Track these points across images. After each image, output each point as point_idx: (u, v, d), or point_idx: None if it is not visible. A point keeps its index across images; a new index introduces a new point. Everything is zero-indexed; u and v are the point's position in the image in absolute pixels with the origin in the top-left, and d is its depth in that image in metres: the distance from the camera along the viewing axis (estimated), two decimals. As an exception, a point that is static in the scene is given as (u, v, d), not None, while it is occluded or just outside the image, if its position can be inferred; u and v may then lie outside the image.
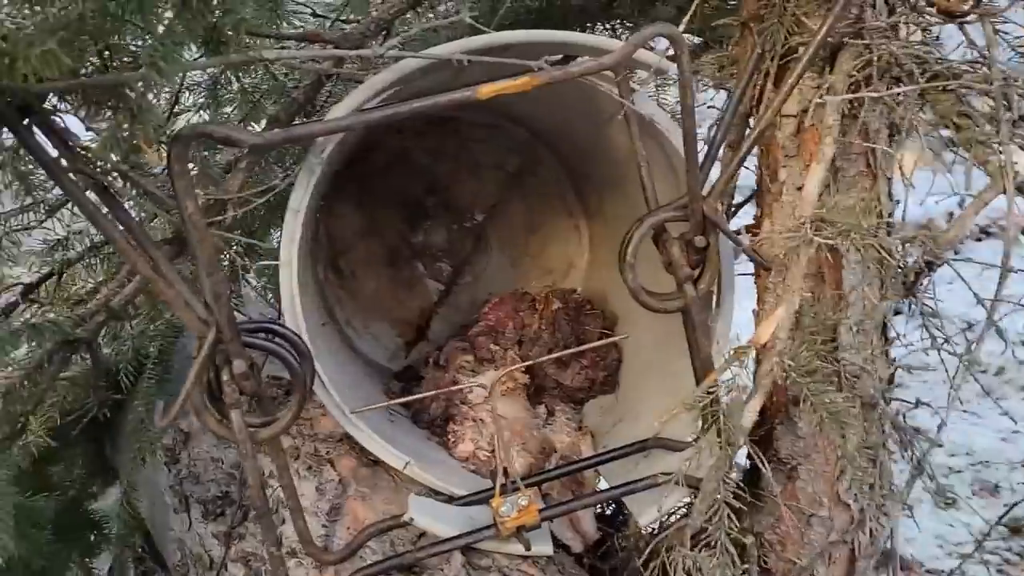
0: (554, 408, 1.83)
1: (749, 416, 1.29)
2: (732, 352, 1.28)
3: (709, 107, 1.73)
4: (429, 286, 2.26)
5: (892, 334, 1.36)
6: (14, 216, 1.42)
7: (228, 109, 1.53)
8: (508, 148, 2.21)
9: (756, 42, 1.44)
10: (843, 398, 1.23)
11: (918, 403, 1.33)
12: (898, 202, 1.52)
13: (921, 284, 1.29)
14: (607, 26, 2.13)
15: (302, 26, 1.35)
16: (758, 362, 1.29)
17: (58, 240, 1.54)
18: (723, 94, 1.72)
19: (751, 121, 1.61)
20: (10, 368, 1.37)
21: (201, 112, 1.59)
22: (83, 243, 1.57)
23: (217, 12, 1.04)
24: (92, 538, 2.11)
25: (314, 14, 1.60)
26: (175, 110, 1.51)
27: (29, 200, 1.40)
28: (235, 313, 1.23)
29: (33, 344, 1.35)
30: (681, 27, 1.43)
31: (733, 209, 1.96)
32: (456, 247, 2.26)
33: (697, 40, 2.14)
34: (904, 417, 1.36)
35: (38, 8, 1.00)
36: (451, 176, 2.23)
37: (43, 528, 1.83)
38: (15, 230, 1.45)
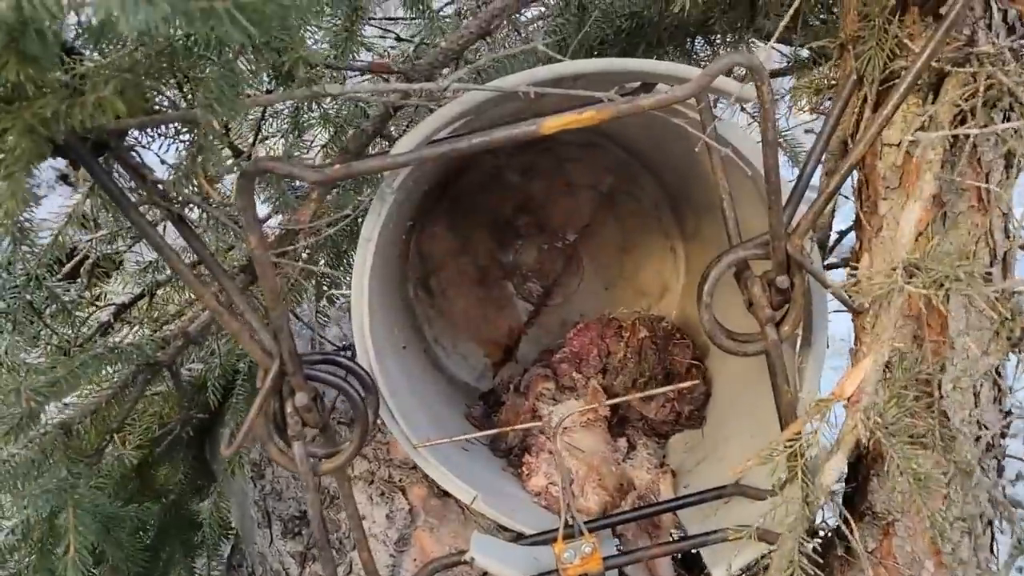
0: (636, 442, 1.77)
1: (831, 474, 1.19)
2: (815, 404, 1.19)
3: (807, 131, 1.62)
4: (519, 306, 2.23)
5: (1002, 391, 1.22)
6: (107, 240, 1.48)
7: (310, 136, 1.55)
8: (603, 167, 2.15)
9: (854, 65, 1.34)
10: (934, 462, 1.11)
11: (1019, 477, 1.19)
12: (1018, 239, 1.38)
13: (1030, 340, 1.16)
14: (706, 40, 2.05)
15: (377, 55, 1.34)
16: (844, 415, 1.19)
17: (149, 262, 1.60)
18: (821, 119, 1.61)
19: (847, 147, 1.50)
20: (96, 389, 1.42)
21: (286, 137, 1.61)
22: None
23: (282, 51, 1.03)
24: (194, 539, 2.20)
25: (398, 38, 1.59)
26: (260, 135, 1.53)
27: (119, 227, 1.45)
28: (319, 338, 1.23)
29: (118, 366, 1.40)
30: (772, 41, 1.33)
31: (836, 236, 1.84)
32: (547, 267, 2.22)
33: (805, 54, 2.03)
34: (1004, 489, 1.23)
35: (112, 47, 1.03)
36: (544, 195, 2.19)
37: (145, 532, 1.92)
38: (108, 254, 1.51)
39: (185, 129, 1.21)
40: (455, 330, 2.18)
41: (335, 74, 1.28)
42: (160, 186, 1.22)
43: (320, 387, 1.30)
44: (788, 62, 2.20)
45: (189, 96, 1.18)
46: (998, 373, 1.34)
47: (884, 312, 1.15)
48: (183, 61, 1.08)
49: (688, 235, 2.10)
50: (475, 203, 2.15)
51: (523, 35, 1.41)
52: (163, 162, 1.25)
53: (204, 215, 1.26)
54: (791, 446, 1.22)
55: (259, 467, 1.87)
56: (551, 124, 1.15)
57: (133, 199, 1.18)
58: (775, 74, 2.25)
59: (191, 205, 1.27)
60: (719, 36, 1.97)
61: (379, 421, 1.43)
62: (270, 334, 1.24)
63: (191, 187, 1.12)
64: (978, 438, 1.20)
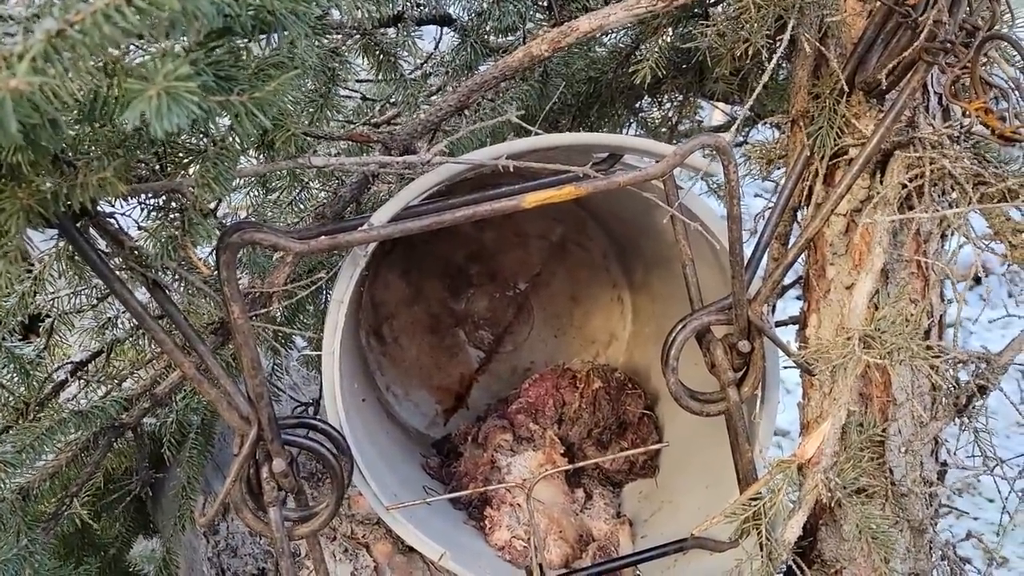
0: (592, 491, 1.81)
1: (793, 531, 1.26)
2: (776, 464, 1.26)
3: (756, 196, 1.71)
4: (470, 354, 2.26)
5: (944, 455, 1.32)
6: (68, 299, 1.45)
7: (276, 194, 1.55)
8: (553, 218, 2.21)
9: (806, 142, 1.43)
10: (891, 522, 1.19)
11: (969, 535, 1.28)
12: (951, 302, 1.49)
13: (974, 407, 1.25)
14: (655, 100, 2.14)
15: (349, 124, 1.36)
16: (803, 476, 1.26)
17: (108, 319, 1.57)
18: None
19: (798, 215, 1.59)
20: (56, 452, 1.39)
21: (251, 192, 1.61)
22: (131, 321, 1.60)
23: (270, 126, 1.05)
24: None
25: (363, 98, 1.62)
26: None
27: (83, 286, 1.43)
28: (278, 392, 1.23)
29: (82, 430, 1.38)
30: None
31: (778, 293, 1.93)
32: (498, 315, 2.26)
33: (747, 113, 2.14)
34: (955, 548, 1.32)
35: (98, 126, 1.03)
36: (496, 244, 2.23)
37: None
38: (67, 312, 1.48)
39: (163, 196, 1.21)
40: (407, 377, 2.19)
41: (312, 140, 1.29)
42: (136, 252, 1.22)
43: (293, 450, 1.31)
44: (730, 119, 2.32)
45: (168, 166, 1.18)
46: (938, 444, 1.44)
47: (841, 379, 1.23)
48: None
49: (636, 286, 2.17)
50: (428, 251, 2.18)
51: (493, 102, 1.45)
52: (140, 227, 1.24)
53: (180, 282, 1.25)
54: (754, 505, 1.28)
55: (213, 522, 1.84)
56: (532, 199, 1.20)
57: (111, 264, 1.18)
58: (718, 129, 2.37)
59: (167, 271, 1.27)
60: (667, 97, 2.06)
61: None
62: (247, 401, 1.25)
63: (174, 257, 1.12)
64: (929, 496, 1.28)
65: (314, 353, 1.46)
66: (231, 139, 1.06)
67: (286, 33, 0.92)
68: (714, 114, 2.63)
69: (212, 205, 1.09)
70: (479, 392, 2.23)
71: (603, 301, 2.22)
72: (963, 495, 1.29)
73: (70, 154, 1.01)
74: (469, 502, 1.77)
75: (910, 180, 1.29)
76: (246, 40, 0.91)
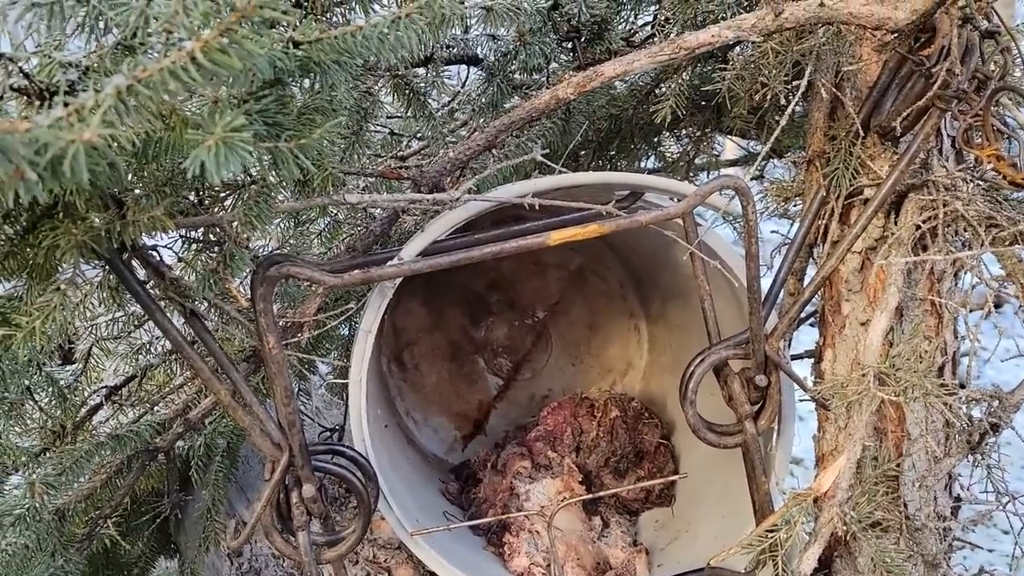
0: (609, 519, 1.84)
1: (808, 563, 1.28)
2: (792, 497, 1.29)
3: (772, 232, 1.75)
4: (489, 381, 2.30)
5: (957, 490, 1.35)
6: (105, 326, 1.50)
7: (305, 225, 1.61)
8: (571, 248, 2.25)
9: (822, 182, 1.47)
10: (905, 556, 1.22)
11: (982, 570, 1.31)
12: (964, 338, 1.52)
13: (986, 444, 1.28)
14: (673, 135, 2.18)
15: (377, 157, 1.41)
16: (818, 509, 1.29)
17: (141, 345, 1.62)
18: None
19: (814, 251, 1.63)
20: (92, 474, 1.44)
21: (282, 224, 1.67)
22: (163, 347, 1.65)
23: (314, 170, 1.10)
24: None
25: (391, 133, 1.67)
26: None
27: (120, 313, 1.48)
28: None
29: (116, 452, 1.42)
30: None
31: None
32: (517, 343, 2.30)
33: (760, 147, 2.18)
34: (967, 583, 1.35)
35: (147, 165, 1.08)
36: (515, 273, 2.28)
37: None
38: (104, 339, 1.53)
39: (201, 230, 1.26)
40: (427, 403, 2.23)
41: (345, 177, 1.35)
42: (175, 282, 1.27)
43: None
44: (746, 153, 2.36)
45: (206, 200, 1.23)
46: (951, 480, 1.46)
47: (857, 414, 1.26)
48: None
49: (652, 316, 2.21)
50: (448, 280, 2.23)
51: (518, 138, 1.50)
52: (179, 259, 1.29)
53: (215, 311, 1.30)
54: (770, 537, 1.31)
55: (243, 545, 1.88)
56: (558, 236, 1.25)
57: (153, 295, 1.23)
58: (733, 163, 2.41)
59: (203, 301, 1.32)
60: (685, 132, 2.11)
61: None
62: (279, 428, 1.29)
63: (214, 289, 1.17)
64: (943, 531, 1.31)
65: (341, 381, 1.50)
66: (271, 178, 1.12)
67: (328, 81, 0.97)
68: (727, 147, 2.67)
69: (250, 235, 1.13)
70: (497, 419, 2.26)
71: (620, 330, 2.26)
72: (978, 527, 1.32)
73: (119, 191, 1.07)
74: (488, 528, 1.80)
75: (924, 221, 1.33)
76: (291, 87, 0.96)
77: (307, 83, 0.98)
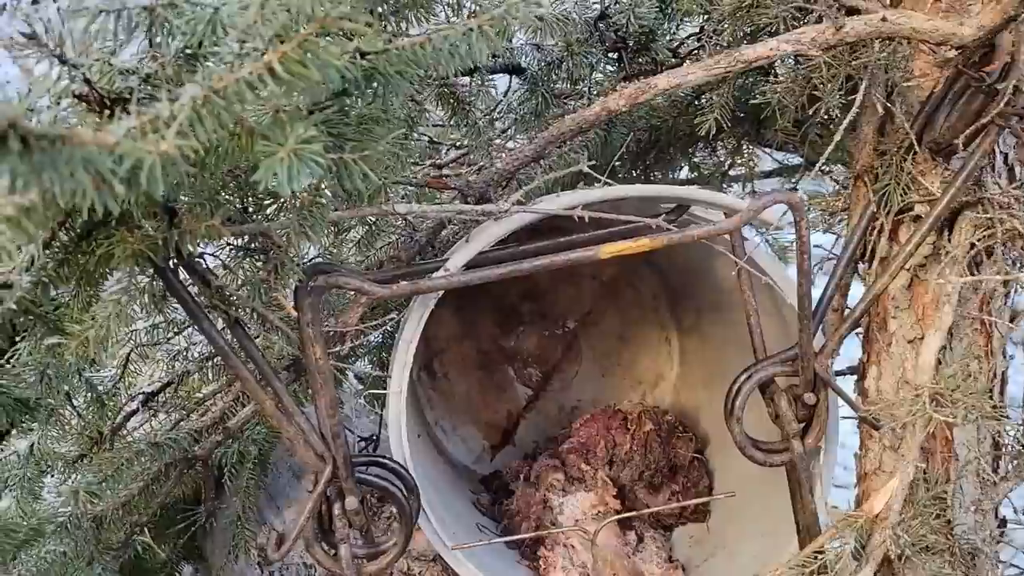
0: (643, 534, 1.82)
1: (858, 586, 1.26)
2: (842, 519, 1.27)
3: (816, 247, 1.73)
4: (519, 391, 2.28)
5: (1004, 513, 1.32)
6: (145, 332, 1.49)
7: (347, 233, 1.60)
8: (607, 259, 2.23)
9: (872, 198, 1.45)
10: (959, 581, 1.20)
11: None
12: (1012, 357, 1.50)
13: (1043, 470, 1.26)
14: (709, 146, 2.17)
15: (415, 165, 1.40)
16: (869, 532, 1.27)
17: (179, 351, 1.62)
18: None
19: (859, 267, 1.61)
20: (129, 481, 1.43)
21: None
22: (200, 352, 1.64)
23: (379, 183, 1.09)
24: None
25: (431, 140, 1.66)
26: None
27: (160, 319, 1.47)
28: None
29: (155, 460, 1.41)
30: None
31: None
32: (547, 353, 2.28)
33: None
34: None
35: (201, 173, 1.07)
36: (547, 283, 2.26)
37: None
38: (144, 345, 1.52)
39: (247, 238, 1.25)
40: (456, 413, 2.22)
41: (393, 187, 1.34)
42: (221, 290, 1.25)
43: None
44: (781, 165, 2.34)
45: (251, 207, 1.22)
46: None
47: (910, 435, 1.24)
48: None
49: (685, 328, 2.19)
50: (480, 288, 2.20)
51: (561, 148, 1.48)
52: (225, 267, 1.28)
53: (259, 320, 1.29)
54: (818, 558, 1.29)
55: (266, 553, 1.86)
56: (609, 250, 1.24)
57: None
58: (767, 175, 2.39)
59: (250, 310, 1.31)
60: (722, 144, 2.09)
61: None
62: (322, 439, 1.28)
63: (264, 299, 1.16)
64: (997, 559, 1.29)
65: (379, 391, 1.49)
66: (323, 188, 1.10)
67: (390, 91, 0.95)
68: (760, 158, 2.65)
69: (303, 244, 1.12)
70: (526, 429, 2.24)
71: (651, 342, 2.24)
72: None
73: (171, 201, 1.06)
74: (522, 542, 1.78)
75: (979, 240, 1.31)
76: (355, 97, 0.95)
77: (368, 93, 0.96)
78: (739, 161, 2.13)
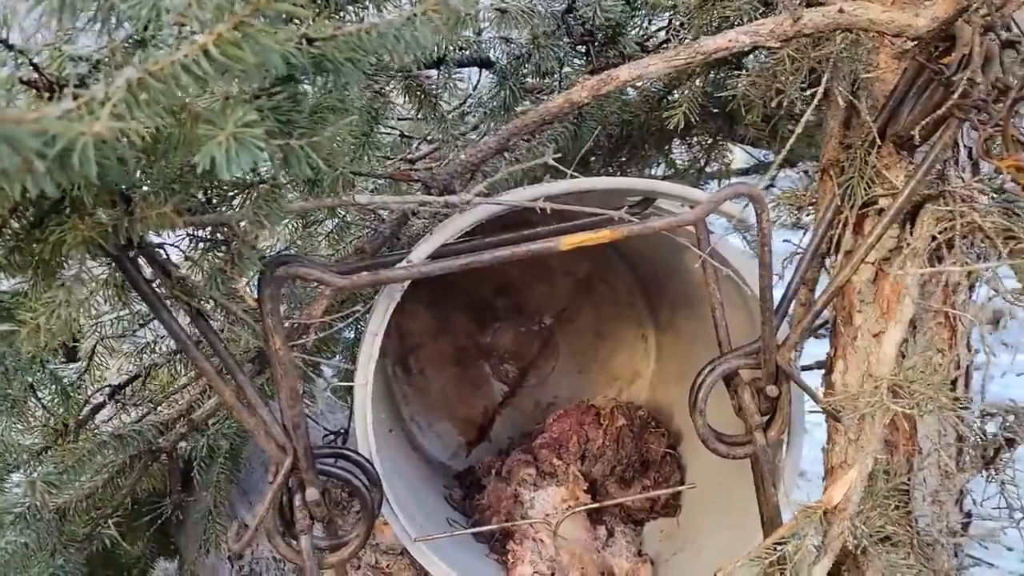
0: (614, 528, 1.82)
1: (817, 577, 1.26)
2: (801, 510, 1.27)
3: (784, 241, 1.74)
4: (494, 387, 2.28)
5: (968, 506, 1.33)
6: (110, 324, 1.49)
7: (314, 226, 1.59)
8: (581, 254, 2.23)
9: (836, 191, 1.45)
10: (915, 572, 1.20)
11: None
12: (977, 351, 1.50)
13: (1001, 459, 1.26)
14: (685, 142, 2.17)
15: (387, 159, 1.40)
16: (828, 523, 1.27)
17: (146, 344, 1.61)
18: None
19: (826, 261, 1.61)
20: (94, 473, 1.42)
21: (290, 224, 1.66)
22: (168, 346, 1.64)
23: (325, 168, 1.09)
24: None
25: (402, 135, 1.66)
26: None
27: (125, 311, 1.47)
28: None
29: (119, 452, 1.41)
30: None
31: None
32: (523, 350, 2.28)
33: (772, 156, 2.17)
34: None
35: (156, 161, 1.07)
36: (522, 279, 2.26)
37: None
38: (109, 337, 1.52)
39: (209, 229, 1.25)
40: (431, 409, 2.22)
41: (356, 178, 1.33)
42: (182, 281, 1.25)
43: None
44: (756, 162, 2.35)
45: (215, 198, 1.22)
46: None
47: (869, 427, 1.24)
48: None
49: (661, 324, 2.19)
50: (455, 284, 2.21)
51: (529, 142, 1.49)
52: (187, 258, 1.28)
53: (222, 311, 1.29)
54: (779, 550, 1.29)
55: (245, 548, 1.86)
56: (569, 242, 1.24)
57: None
58: (744, 171, 2.40)
59: (210, 300, 1.30)
60: (696, 140, 2.09)
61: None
62: (284, 430, 1.27)
63: (221, 289, 1.16)
64: (955, 546, 1.29)
65: (345, 384, 1.49)
66: (281, 177, 1.10)
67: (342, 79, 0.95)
68: (737, 156, 2.66)
69: (259, 235, 1.12)
70: (502, 425, 2.24)
71: (628, 338, 2.24)
72: (984, 543, 1.30)
73: (127, 188, 1.05)
74: (492, 535, 1.78)
75: (940, 232, 1.31)
76: (304, 84, 0.95)
77: (320, 81, 0.96)
78: (714, 157, 2.14)
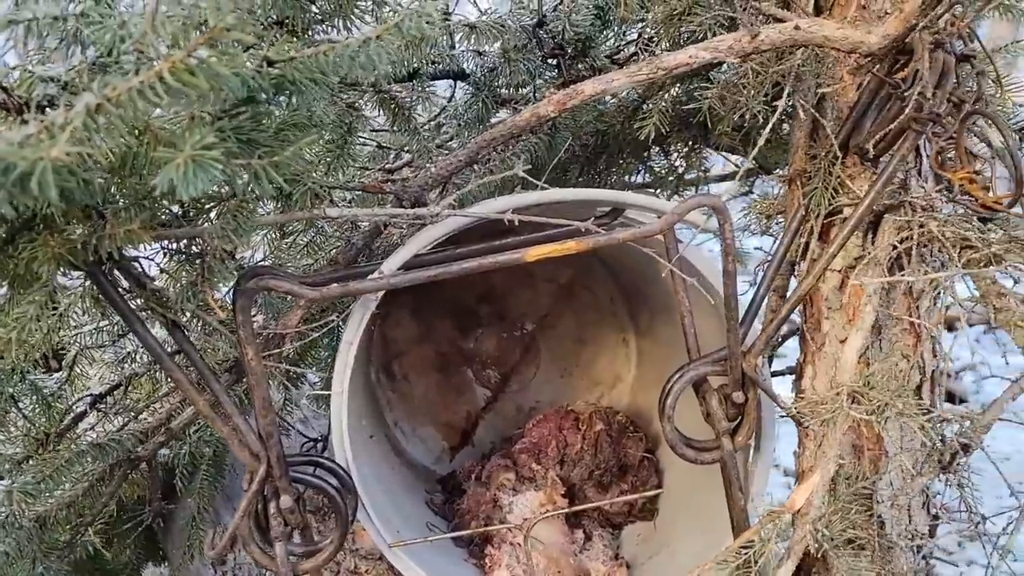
0: (592, 532, 1.85)
1: (781, 580, 1.29)
2: (766, 514, 1.29)
3: (756, 248, 1.76)
4: (477, 392, 2.30)
5: (929, 498, 1.35)
6: (90, 335, 1.52)
7: (292, 237, 1.62)
8: (562, 261, 2.26)
9: (802, 201, 1.48)
10: (874, 574, 1.23)
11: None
12: (946, 357, 1.53)
13: (958, 463, 1.29)
14: (662, 150, 2.20)
15: (364, 170, 1.43)
16: (793, 526, 1.30)
17: (127, 353, 1.64)
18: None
19: (796, 269, 1.64)
20: (74, 482, 1.45)
21: (268, 235, 1.68)
22: (148, 356, 1.66)
23: (287, 188, 1.12)
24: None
25: (379, 146, 1.69)
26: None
27: (104, 322, 1.49)
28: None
29: (98, 461, 1.43)
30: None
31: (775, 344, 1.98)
32: (505, 355, 2.31)
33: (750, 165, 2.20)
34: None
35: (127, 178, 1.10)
36: (505, 285, 2.29)
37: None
38: (89, 347, 1.54)
39: (185, 242, 1.28)
40: (415, 414, 2.24)
41: (330, 191, 1.36)
42: (157, 293, 1.28)
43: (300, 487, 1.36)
44: (736, 169, 2.37)
45: (191, 211, 1.25)
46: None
47: (831, 432, 1.27)
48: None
49: (641, 330, 2.22)
50: (438, 291, 2.24)
51: (502, 154, 1.51)
52: (162, 270, 1.31)
53: (199, 323, 1.31)
54: (744, 553, 1.32)
55: (222, 554, 1.89)
56: (535, 253, 1.26)
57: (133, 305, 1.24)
58: (723, 179, 2.43)
59: (185, 312, 1.33)
60: (674, 148, 2.12)
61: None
62: (258, 439, 1.30)
63: (193, 301, 1.18)
64: (917, 549, 1.32)
65: (324, 392, 1.51)
66: (250, 192, 1.13)
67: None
68: (717, 162, 2.68)
69: (230, 248, 1.15)
70: (485, 430, 2.27)
71: (609, 343, 2.27)
72: (962, 546, 1.33)
73: (99, 204, 1.08)
74: (470, 540, 1.81)
75: (900, 241, 1.34)
76: (267, 104, 0.98)
77: (283, 101, 0.99)
78: (692, 165, 2.16)
